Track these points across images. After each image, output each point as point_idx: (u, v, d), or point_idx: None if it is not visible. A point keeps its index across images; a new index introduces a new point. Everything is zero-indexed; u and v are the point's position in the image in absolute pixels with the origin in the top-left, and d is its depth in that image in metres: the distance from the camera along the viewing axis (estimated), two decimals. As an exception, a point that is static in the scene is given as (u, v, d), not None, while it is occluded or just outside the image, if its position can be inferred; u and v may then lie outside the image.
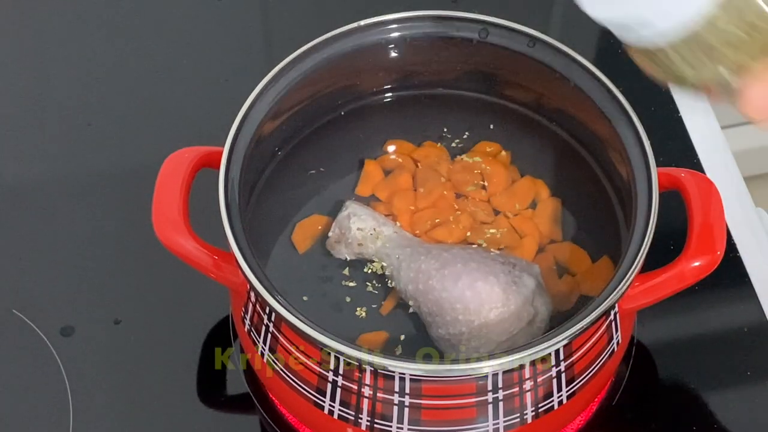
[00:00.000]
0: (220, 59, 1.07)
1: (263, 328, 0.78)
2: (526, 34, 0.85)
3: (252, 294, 0.79)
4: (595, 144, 0.86)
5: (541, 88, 0.88)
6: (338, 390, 0.76)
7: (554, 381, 0.76)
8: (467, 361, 0.74)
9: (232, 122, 0.81)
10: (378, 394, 0.75)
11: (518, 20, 0.86)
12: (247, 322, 0.80)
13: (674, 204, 0.81)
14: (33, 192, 0.98)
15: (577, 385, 0.78)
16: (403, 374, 0.74)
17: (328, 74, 0.86)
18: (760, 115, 0.68)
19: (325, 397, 0.77)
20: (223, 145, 0.80)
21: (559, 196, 0.88)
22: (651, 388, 0.89)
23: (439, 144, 0.91)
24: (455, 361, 0.74)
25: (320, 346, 0.74)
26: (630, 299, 0.78)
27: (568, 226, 0.87)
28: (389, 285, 0.84)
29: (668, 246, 0.89)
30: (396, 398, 0.75)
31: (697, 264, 0.77)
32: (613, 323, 0.79)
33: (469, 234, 0.86)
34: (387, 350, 0.82)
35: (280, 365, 0.78)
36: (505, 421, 0.76)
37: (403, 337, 0.82)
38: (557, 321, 0.81)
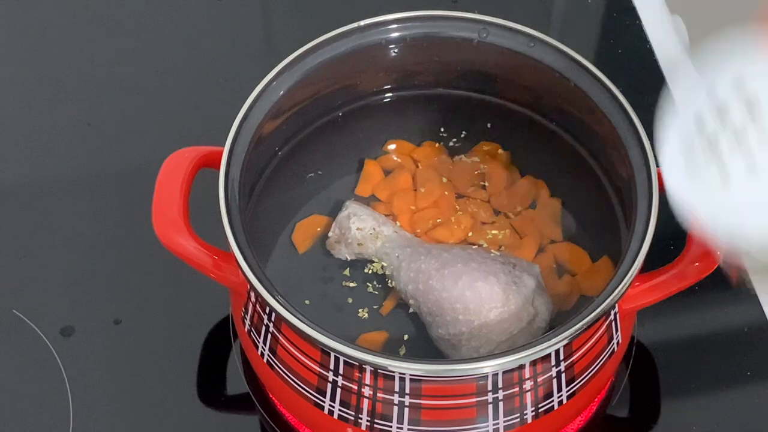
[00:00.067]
0: (220, 59, 1.07)
1: (263, 328, 0.78)
2: (526, 34, 0.85)
3: (252, 294, 0.79)
4: (595, 144, 0.86)
5: (541, 88, 0.87)
6: (338, 390, 0.76)
7: (554, 381, 0.76)
8: (467, 361, 0.74)
9: (232, 122, 0.81)
10: (378, 394, 0.75)
11: (518, 20, 0.86)
12: (247, 322, 0.80)
13: (674, 204, 0.81)
14: (33, 192, 0.98)
15: (577, 385, 0.78)
16: (403, 374, 0.74)
17: (328, 74, 0.86)
18: None
19: (325, 397, 0.77)
20: (223, 145, 0.80)
21: (559, 196, 0.88)
22: (651, 388, 0.89)
23: (439, 144, 0.91)
24: (455, 361, 0.74)
25: (320, 346, 0.74)
26: (630, 299, 0.78)
27: (568, 226, 0.87)
28: (389, 285, 0.84)
29: (668, 246, 0.89)
30: (396, 398, 0.75)
31: (697, 264, 0.77)
32: (613, 323, 0.79)
33: (471, 234, 0.86)
34: (388, 350, 0.82)
35: (280, 365, 0.78)
36: (505, 421, 0.76)
37: (407, 336, 0.82)
38: (557, 321, 0.81)
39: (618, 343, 0.80)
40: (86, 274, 0.93)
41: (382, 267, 0.84)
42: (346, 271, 0.85)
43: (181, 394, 0.88)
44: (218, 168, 0.79)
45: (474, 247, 0.85)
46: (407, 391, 0.74)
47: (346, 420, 0.77)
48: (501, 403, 0.75)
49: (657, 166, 0.76)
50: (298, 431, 0.86)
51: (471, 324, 0.79)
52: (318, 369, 0.76)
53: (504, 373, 0.74)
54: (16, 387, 0.88)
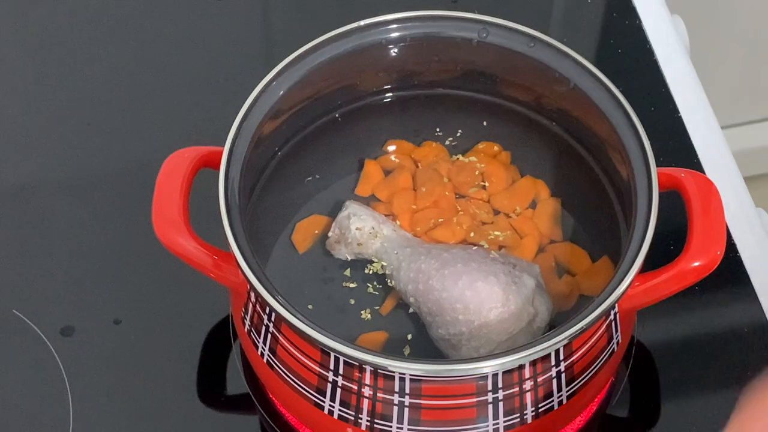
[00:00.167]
0: (220, 59, 1.07)
1: (263, 328, 0.78)
2: (526, 34, 0.85)
3: (252, 294, 0.79)
4: (595, 144, 0.86)
5: (541, 88, 0.87)
6: (338, 390, 0.76)
7: (554, 381, 0.76)
8: (467, 361, 0.74)
9: (232, 122, 0.81)
10: (378, 394, 0.75)
11: (518, 20, 0.86)
12: (247, 322, 0.80)
13: (674, 204, 0.81)
14: (33, 192, 0.98)
15: (577, 385, 0.78)
16: (403, 374, 0.74)
17: (328, 74, 0.86)
18: None
19: (325, 397, 0.77)
20: (223, 145, 0.80)
21: (559, 196, 0.88)
22: (651, 388, 0.89)
23: (438, 144, 0.91)
24: (455, 361, 0.74)
25: (320, 346, 0.74)
26: (630, 299, 0.78)
27: (568, 226, 0.87)
28: (389, 285, 0.84)
29: (668, 246, 0.89)
30: (396, 398, 0.75)
31: (697, 264, 0.77)
32: (613, 323, 0.79)
33: (472, 234, 0.86)
34: (388, 350, 0.82)
35: (280, 365, 0.78)
36: (505, 421, 0.76)
37: (410, 336, 0.82)
38: (557, 321, 0.81)
39: (618, 343, 0.80)
40: (86, 274, 0.93)
41: (382, 267, 0.84)
42: (346, 271, 0.85)
43: (181, 394, 0.88)
44: (218, 168, 0.79)
45: (474, 247, 0.85)
46: (407, 391, 0.74)
47: (346, 420, 0.77)
48: (501, 403, 0.75)
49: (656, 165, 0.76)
50: (298, 431, 0.86)
51: (471, 324, 0.79)
52: (318, 369, 0.76)
53: (504, 373, 0.74)
54: (16, 387, 0.88)
